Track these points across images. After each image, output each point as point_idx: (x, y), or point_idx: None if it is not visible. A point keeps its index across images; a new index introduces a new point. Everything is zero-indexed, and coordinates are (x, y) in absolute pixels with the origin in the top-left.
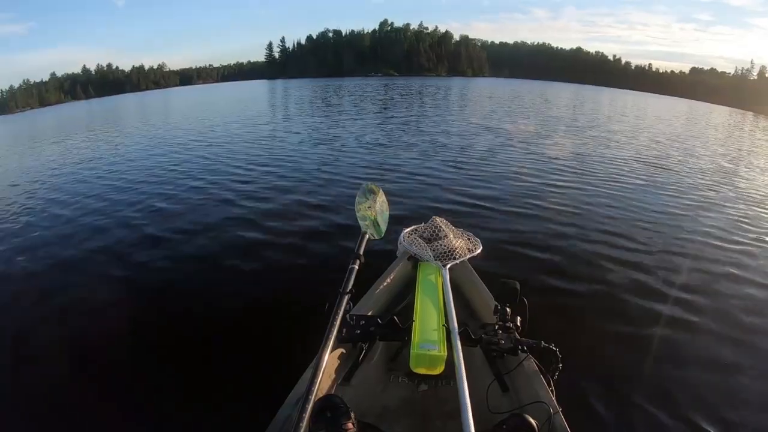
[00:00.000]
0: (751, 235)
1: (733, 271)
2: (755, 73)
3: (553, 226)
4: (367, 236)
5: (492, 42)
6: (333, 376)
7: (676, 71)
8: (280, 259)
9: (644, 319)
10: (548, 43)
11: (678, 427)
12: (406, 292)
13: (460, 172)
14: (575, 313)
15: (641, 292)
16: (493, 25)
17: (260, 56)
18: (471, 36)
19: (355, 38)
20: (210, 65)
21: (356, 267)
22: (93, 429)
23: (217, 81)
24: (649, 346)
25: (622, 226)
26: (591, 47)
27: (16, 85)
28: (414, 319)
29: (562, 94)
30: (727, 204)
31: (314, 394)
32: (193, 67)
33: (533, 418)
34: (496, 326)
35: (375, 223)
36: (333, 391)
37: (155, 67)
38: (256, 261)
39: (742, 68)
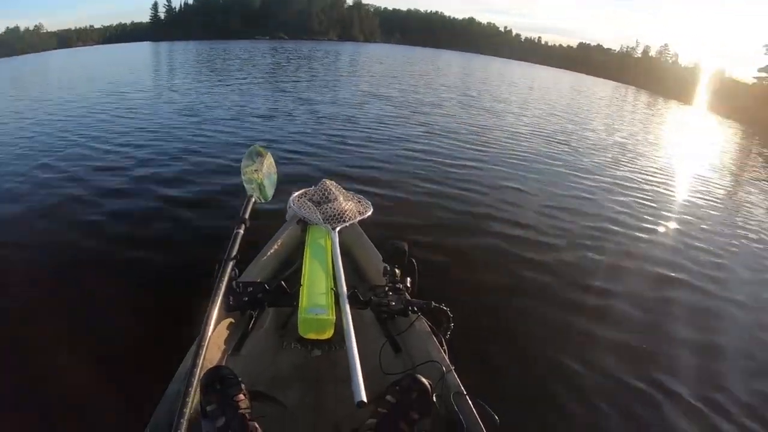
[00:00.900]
0: (629, 198)
1: (614, 228)
2: (639, 52)
3: (442, 188)
4: (253, 200)
5: (384, 8)
6: (222, 346)
7: (565, 45)
8: (162, 228)
9: (533, 275)
10: (441, 12)
11: (565, 378)
12: (295, 256)
13: (351, 137)
14: (465, 273)
15: (529, 247)
16: None
17: (146, 17)
18: (364, 1)
19: None
20: (91, 26)
21: (241, 232)
22: None
23: (98, 43)
24: (539, 301)
25: (509, 186)
26: (484, 18)
27: None
28: (302, 283)
29: (454, 62)
30: (608, 169)
31: (200, 367)
32: (73, 28)
33: (426, 377)
34: (386, 288)
35: (261, 187)
36: (223, 362)
37: (31, 28)
38: (135, 231)
39: (627, 46)
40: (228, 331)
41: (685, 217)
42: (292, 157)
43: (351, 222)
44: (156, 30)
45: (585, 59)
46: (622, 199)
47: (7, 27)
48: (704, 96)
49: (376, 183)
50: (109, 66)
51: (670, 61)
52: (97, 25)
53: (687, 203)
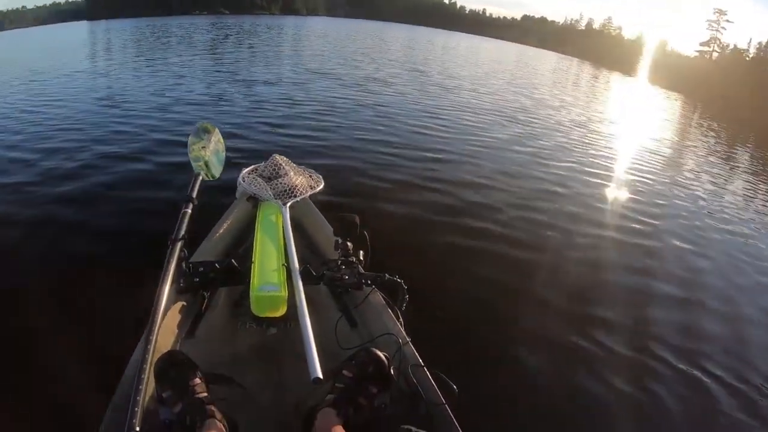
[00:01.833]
0: (570, 164)
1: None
2: (583, 25)
3: (392, 159)
4: (200, 177)
5: None
6: (176, 330)
7: (509, 17)
8: (105, 211)
9: (486, 242)
10: None
11: (521, 344)
12: (246, 234)
13: (300, 112)
14: (418, 243)
15: (482, 213)
16: None
17: None
18: None
19: None
20: (23, 7)
21: (189, 211)
22: None
23: (32, 25)
24: (493, 268)
25: (458, 156)
26: None
27: None
28: (253, 260)
29: (399, 35)
30: (556, 132)
31: (152, 353)
32: (5, 10)
33: (383, 350)
34: (339, 262)
35: (209, 164)
36: (177, 346)
37: None
38: (79, 215)
39: (571, 19)
40: (180, 314)
41: (632, 181)
42: (240, 133)
43: (302, 196)
44: (92, 8)
45: (529, 31)
46: (565, 165)
47: None
48: (647, 68)
49: (326, 156)
50: (42, 50)
51: (614, 33)
52: (30, 6)
53: (632, 170)
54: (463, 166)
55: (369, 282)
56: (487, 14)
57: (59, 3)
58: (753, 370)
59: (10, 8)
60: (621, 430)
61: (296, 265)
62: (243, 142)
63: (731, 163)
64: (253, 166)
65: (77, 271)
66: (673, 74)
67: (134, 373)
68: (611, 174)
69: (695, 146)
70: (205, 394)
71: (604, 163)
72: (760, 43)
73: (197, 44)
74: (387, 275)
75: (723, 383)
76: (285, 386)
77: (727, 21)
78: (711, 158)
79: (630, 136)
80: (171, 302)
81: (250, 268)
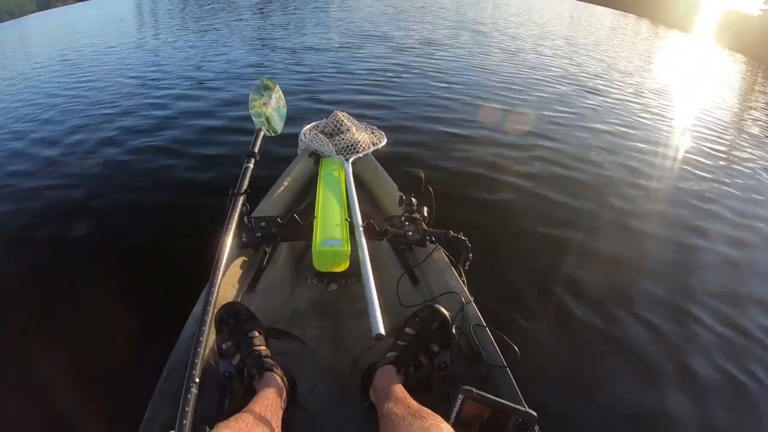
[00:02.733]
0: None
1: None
2: None
3: (459, 117)
4: (262, 133)
5: None
6: (237, 284)
7: None
8: (166, 164)
9: (554, 207)
10: None
11: (589, 314)
12: (308, 190)
13: (361, 69)
14: (484, 201)
15: (548, 177)
16: None
17: None
18: None
19: None
20: None
21: (251, 166)
22: None
23: (78, 1)
24: (560, 234)
25: (520, 113)
26: None
27: None
28: (315, 216)
29: None
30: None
31: (213, 305)
32: None
33: (445, 308)
34: (403, 218)
35: (271, 120)
36: (239, 300)
37: None
38: (142, 173)
39: None
40: (242, 269)
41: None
42: (300, 90)
43: (365, 153)
44: None
45: None
46: (627, 131)
47: None
48: (708, 26)
49: (390, 113)
50: (94, 25)
51: None
52: None
53: (691, 135)
54: (529, 125)
55: (433, 239)
56: None
57: None
58: None
59: None
60: (686, 395)
61: (359, 220)
62: (304, 98)
63: None
64: (314, 123)
65: (142, 222)
66: (736, 34)
67: (195, 325)
68: (673, 140)
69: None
70: (264, 347)
71: (664, 128)
72: None
73: (245, 9)
74: (451, 232)
75: None
76: (344, 342)
77: None
78: None
79: (690, 98)
80: (233, 256)
81: (313, 223)
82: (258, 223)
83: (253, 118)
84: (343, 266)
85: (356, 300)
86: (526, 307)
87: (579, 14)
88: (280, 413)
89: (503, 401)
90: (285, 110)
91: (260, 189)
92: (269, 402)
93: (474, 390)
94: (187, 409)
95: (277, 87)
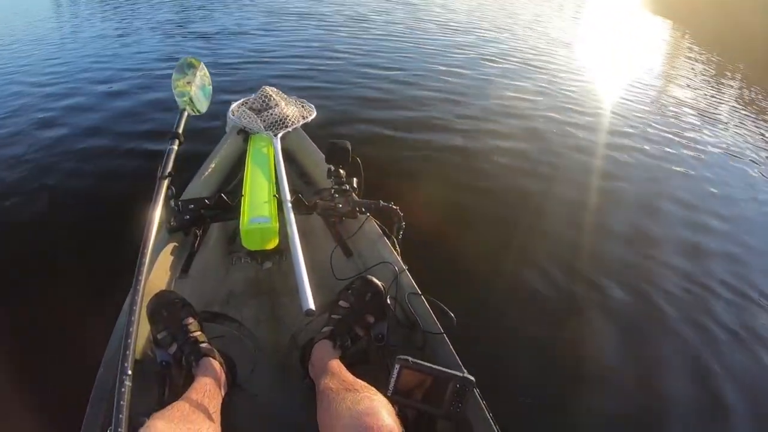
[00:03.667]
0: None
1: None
2: None
3: (384, 84)
4: (186, 113)
5: None
6: (169, 270)
7: None
8: (81, 154)
9: (482, 171)
10: None
11: (516, 272)
12: (237, 168)
13: (285, 41)
14: (414, 167)
15: (478, 137)
16: None
17: None
18: None
19: None
20: None
21: (175, 147)
22: None
23: None
24: (490, 198)
25: (451, 78)
26: None
27: None
28: (243, 194)
29: None
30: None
31: (141, 295)
32: None
33: (379, 279)
34: (332, 190)
35: (195, 99)
36: (172, 286)
37: None
38: (62, 159)
39: None
40: (173, 254)
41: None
42: (228, 65)
43: (294, 127)
44: None
45: None
46: (556, 95)
47: None
48: None
49: (318, 85)
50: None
51: None
52: None
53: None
54: (463, 90)
55: (363, 210)
56: None
57: None
58: None
59: None
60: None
61: (287, 195)
62: (230, 75)
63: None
64: (242, 100)
65: (59, 214)
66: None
67: (126, 318)
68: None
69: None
70: (199, 333)
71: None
72: None
73: None
74: (382, 202)
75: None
76: (282, 320)
77: None
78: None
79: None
80: (162, 243)
81: (241, 202)
82: (186, 206)
83: (176, 98)
84: (273, 243)
85: (291, 276)
86: (461, 273)
87: None
88: (219, 398)
89: (440, 368)
90: (210, 88)
91: (188, 170)
92: (206, 388)
93: (410, 359)
94: (122, 403)
95: (202, 65)
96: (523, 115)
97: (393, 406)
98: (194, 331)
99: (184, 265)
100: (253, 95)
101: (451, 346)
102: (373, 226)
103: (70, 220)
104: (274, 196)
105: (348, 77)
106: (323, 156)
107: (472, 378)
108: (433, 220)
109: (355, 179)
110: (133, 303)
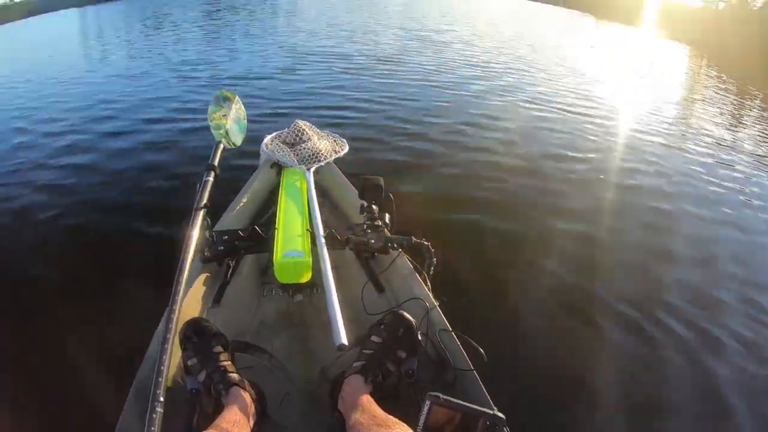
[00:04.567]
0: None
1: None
2: None
3: (414, 125)
4: (222, 146)
5: None
6: (201, 300)
7: None
8: (122, 185)
9: (518, 210)
10: None
11: (554, 313)
12: (270, 201)
13: (319, 75)
14: (445, 205)
15: (509, 176)
16: None
17: None
18: None
19: None
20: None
21: (211, 179)
22: None
23: (21, 17)
24: (524, 237)
25: (482, 116)
26: None
27: None
28: (276, 227)
29: None
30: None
31: (175, 322)
32: None
33: (411, 314)
34: (365, 225)
35: (230, 132)
36: (204, 315)
37: None
38: (100, 189)
39: None
40: (206, 284)
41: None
42: (262, 99)
43: (326, 161)
44: None
45: None
46: (582, 130)
47: None
48: (652, 20)
49: (350, 121)
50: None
51: None
52: None
53: (643, 125)
54: (494, 127)
55: (395, 245)
56: None
57: None
58: None
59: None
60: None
61: (321, 230)
62: (263, 109)
63: (739, 118)
64: (275, 133)
65: (100, 244)
66: (680, 26)
67: (158, 344)
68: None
69: (705, 99)
70: (229, 362)
71: (618, 122)
72: None
73: (198, 19)
74: (414, 238)
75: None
76: (312, 353)
77: None
78: (721, 112)
79: (640, 90)
80: (196, 272)
81: (274, 235)
82: (220, 237)
83: (213, 131)
84: (306, 277)
85: (322, 310)
86: (492, 309)
87: (518, 12)
88: (248, 429)
89: (470, 405)
90: (245, 122)
91: (222, 202)
92: (235, 418)
93: (441, 395)
94: (153, 429)
95: (237, 98)
96: (557, 157)
97: None
98: (224, 360)
99: (216, 295)
100: (287, 129)
101: (481, 384)
102: (405, 262)
103: (107, 248)
104: (307, 230)
105: (383, 113)
106: (356, 191)
107: (503, 416)
108: (465, 258)
109: (387, 215)
110: (167, 330)
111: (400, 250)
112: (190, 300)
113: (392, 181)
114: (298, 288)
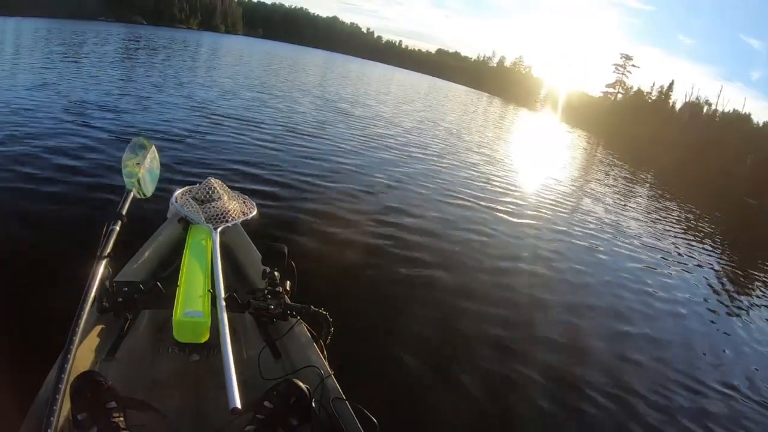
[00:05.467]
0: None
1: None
2: (495, 61)
3: (324, 194)
4: (132, 194)
5: (249, 0)
6: (95, 351)
7: (424, 50)
8: (29, 222)
9: (409, 280)
10: (306, 8)
11: (439, 377)
12: (174, 256)
13: (235, 137)
14: (345, 277)
15: (404, 249)
16: None
17: None
18: None
19: None
20: None
21: (117, 228)
22: None
23: None
24: (416, 306)
25: (384, 189)
26: (347, 18)
27: None
28: (179, 284)
29: (316, 60)
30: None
31: (68, 372)
32: None
33: (305, 382)
34: (266, 291)
35: (142, 181)
36: (96, 368)
37: None
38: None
39: (484, 55)
40: (101, 335)
41: (536, 211)
42: (178, 152)
43: (234, 222)
44: (7, 4)
45: (443, 65)
46: (481, 195)
47: None
48: (555, 106)
49: (263, 183)
50: None
51: (524, 72)
52: None
53: (539, 200)
54: (384, 199)
55: (294, 313)
56: (403, 46)
57: None
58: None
59: None
60: None
61: (222, 292)
62: (180, 161)
63: (631, 195)
64: (187, 187)
65: None
66: (580, 113)
67: (49, 394)
68: (527, 203)
69: (599, 179)
70: (122, 419)
71: (518, 193)
72: (662, 87)
73: (125, 53)
74: (312, 307)
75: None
76: (205, 415)
77: (633, 66)
78: (614, 190)
79: (538, 168)
80: (92, 322)
81: (175, 292)
82: (120, 288)
83: (125, 178)
84: (204, 338)
85: (218, 372)
86: (386, 380)
87: (436, 90)
88: None
89: None
90: (158, 172)
91: (126, 252)
92: None
93: None
94: None
95: (153, 147)
96: (451, 215)
97: None
98: (116, 417)
99: (111, 348)
100: (198, 184)
101: None
102: (303, 329)
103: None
104: (209, 290)
105: (295, 184)
106: (260, 255)
107: None
108: (361, 328)
109: (288, 282)
110: (58, 380)
111: (298, 317)
112: (84, 350)
113: (296, 248)
114: (194, 348)
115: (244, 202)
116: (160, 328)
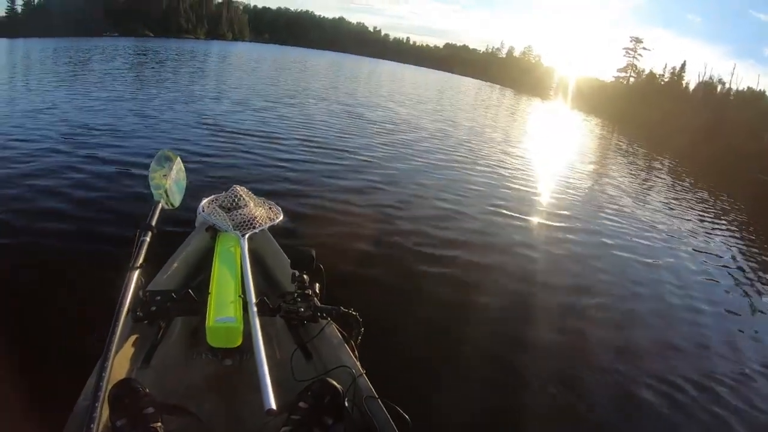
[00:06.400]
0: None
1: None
2: (504, 52)
3: (349, 195)
4: (160, 206)
5: (254, 6)
6: (131, 359)
7: (432, 45)
8: (63, 238)
9: (438, 277)
10: (311, 11)
11: (472, 375)
12: (204, 264)
13: (260, 144)
14: (374, 276)
15: (433, 248)
16: None
17: (1, 10)
18: None
19: None
20: None
21: (147, 239)
22: None
23: None
24: (445, 303)
25: (411, 189)
26: (353, 18)
27: None
28: (210, 291)
29: (322, 61)
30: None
31: (106, 381)
32: None
33: (337, 382)
34: (295, 294)
35: (170, 192)
36: (132, 375)
37: None
38: (36, 241)
39: (493, 47)
40: (136, 343)
41: (560, 200)
42: (203, 162)
43: (261, 228)
44: (13, 25)
45: (451, 59)
46: (506, 192)
47: None
48: (567, 94)
49: (287, 189)
50: None
51: (534, 61)
52: None
53: (559, 190)
54: (420, 201)
55: (324, 315)
56: (411, 42)
57: None
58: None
59: None
60: None
61: (253, 297)
62: (205, 172)
63: (648, 179)
64: (213, 196)
65: (29, 294)
66: (593, 99)
67: (88, 402)
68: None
69: (617, 165)
70: (159, 424)
71: (541, 185)
72: (674, 68)
73: (136, 68)
74: (342, 308)
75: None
76: (240, 418)
77: (644, 48)
78: (630, 176)
79: (554, 157)
80: (127, 331)
81: (207, 299)
82: (153, 297)
83: (152, 190)
84: (236, 343)
85: (251, 375)
86: (418, 377)
87: (447, 85)
88: None
89: None
90: (185, 183)
91: (157, 261)
92: None
93: None
94: None
95: (179, 159)
96: (477, 210)
97: None
98: (154, 422)
99: (146, 356)
100: (224, 193)
101: None
102: (333, 330)
103: (37, 301)
104: (240, 296)
105: (319, 187)
106: (288, 260)
107: None
108: (391, 327)
109: (317, 284)
110: (97, 388)
111: (329, 319)
112: (120, 359)
113: (324, 251)
114: (227, 352)
115: (270, 208)
116: (193, 335)
